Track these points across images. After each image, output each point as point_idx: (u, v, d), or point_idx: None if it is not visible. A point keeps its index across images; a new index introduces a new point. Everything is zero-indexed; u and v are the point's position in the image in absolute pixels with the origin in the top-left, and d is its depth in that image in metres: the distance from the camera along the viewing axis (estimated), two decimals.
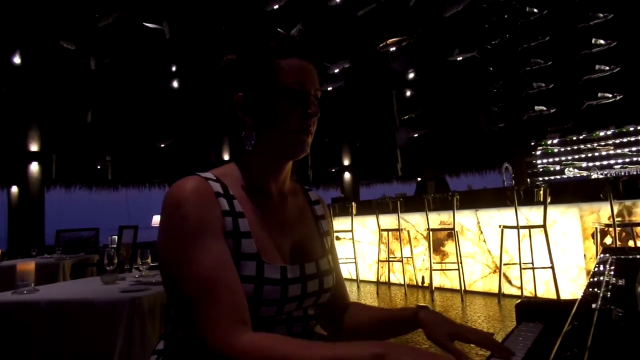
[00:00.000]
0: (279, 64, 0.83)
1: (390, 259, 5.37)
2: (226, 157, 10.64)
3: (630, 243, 3.71)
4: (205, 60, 9.57)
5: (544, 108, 7.87)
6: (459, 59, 7.89)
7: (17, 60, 8.02)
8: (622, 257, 1.23)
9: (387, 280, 5.46)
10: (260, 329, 0.79)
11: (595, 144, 7.75)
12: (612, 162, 7.56)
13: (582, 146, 7.90)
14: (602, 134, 7.69)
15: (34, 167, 8.02)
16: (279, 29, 7.90)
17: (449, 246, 4.99)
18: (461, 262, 4.53)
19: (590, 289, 0.87)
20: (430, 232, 4.73)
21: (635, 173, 7.01)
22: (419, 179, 6.55)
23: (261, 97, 0.83)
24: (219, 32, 9.38)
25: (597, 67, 7.10)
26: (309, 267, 0.87)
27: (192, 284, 0.71)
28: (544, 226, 3.83)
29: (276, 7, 7.25)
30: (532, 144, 8.47)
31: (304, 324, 0.87)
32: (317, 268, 0.89)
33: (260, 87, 0.83)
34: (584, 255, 3.97)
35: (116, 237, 5.30)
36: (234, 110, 0.86)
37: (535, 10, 7.76)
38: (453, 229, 4.52)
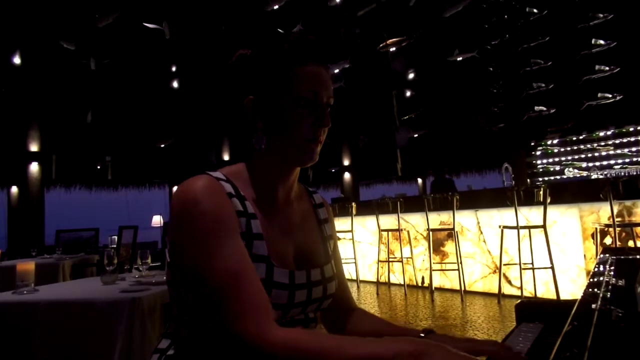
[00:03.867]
0: (294, 70, 0.81)
1: (390, 259, 5.37)
2: (226, 157, 10.65)
3: (630, 243, 3.71)
4: (206, 60, 9.57)
5: (544, 108, 7.88)
6: (459, 59, 7.89)
7: (17, 60, 8.03)
8: (622, 257, 1.23)
9: (387, 280, 5.46)
10: None
11: (595, 144, 7.75)
12: (612, 162, 7.56)
13: (582, 146, 7.90)
14: (602, 134, 7.69)
15: (34, 167, 8.02)
16: (277, 30, 7.90)
17: (449, 246, 4.99)
18: (461, 263, 4.53)
19: (590, 289, 0.86)
20: (430, 233, 4.73)
21: (635, 173, 7.01)
22: (432, 178, 6.75)
23: (273, 102, 0.82)
24: (219, 33, 9.38)
25: (597, 67, 7.10)
26: (314, 273, 0.87)
27: (219, 278, 0.70)
28: (544, 226, 3.84)
29: (276, 7, 7.25)
30: (532, 144, 8.47)
31: (304, 325, 0.87)
32: (321, 274, 0.88)
33: (272, 93, 0.82)
34: (584, 255, 3.97)
35: (116, 237, 5.30)
36: (243, 112, 0.85)
37: (535, 10, 7.76)
38: (453, 229, 4.53)
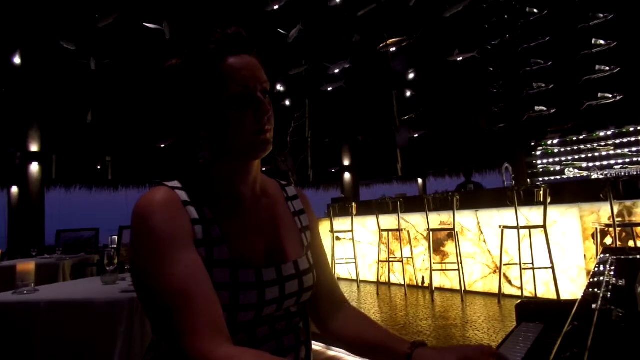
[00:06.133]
0: (217, 69, 0.79)
1: (391, 259, 5.37)
2: None
3: (631, 243, 3.71)
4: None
5: (544, 108, 7.87)
6: (459, 59, 7.89)
7: (17, 60, 8.02)
8: (622, 257, 1.23)
9: (387, 280, 5.46)
10: (240, 333, 0.78)
11: (595, 144, 7.75)
12: (612, 162, 7.56)
13: (582, 146, 7.90)
14: (602, 134, 7.70)
15: (34, 167, 8.02)
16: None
17: (449, 246, 4.99)
18: (461, 263, 4.53)
19: (591, 289, 0.86)
20: (431, 233, 4.72)
21: (635, 173, 7.01)
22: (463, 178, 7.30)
23: (208, 108, 0.80)
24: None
25: (597, 67, 7.10)
26: (286, 268, 0.85)
27: (164, 297, 0.70)
28: (544, 226, 3.83)
29: (276, 7, 7.25)
30: (532, 144, 8.47)
31: (287, 322, 0.85)
32: (295, 268, 0.86)
33: (205, 98, 0.80)
34: (584, 255, 3.97)
35: (116, 237, 5.29)
36: (184, 123, 0.83)
37: (535, 10, 7.76)
38: (453, 229, 4.52)
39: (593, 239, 3.84)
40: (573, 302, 0.81)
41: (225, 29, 0.82)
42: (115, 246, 5.34)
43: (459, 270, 4.48)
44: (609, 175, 7.19)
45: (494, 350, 0.73)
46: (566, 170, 7.96)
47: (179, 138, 0.86)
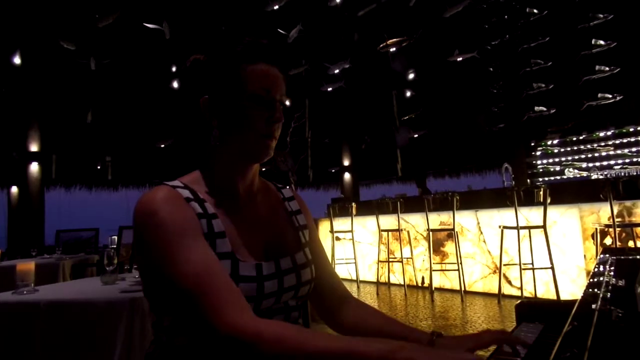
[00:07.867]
0: (246, 69, 0.84)
1: (390, 260, 5.37)
2: None
3: (630, 243, 3.71)
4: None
5: (544, 108, 7.88)
6: (459, 59, 7.89)
7: (17, 60, 8.02)
8: (622, 257, 1.23)
9: (387, 280, 5.46)
10: None
11: (595, 145, 7.75)
12: (612, 162, 7.56)
13: (582, 147, 7.90)
14: (602, 134, 7.70)
15: (34, 167, 8.02)
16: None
17: (449, 247, 4.99)
18: (461, 263, 4.53)
19: (590, 290, 0.86)
20: (430, 233, 4.73)
21: (635, 173, 7.01)
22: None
23: (228, 101, 0.85)
24: (219, 33, 9.38)
25: (597, 67, 7.10)
26: (284, 262, 0.88)
27: (188, 280, 0.71)
28: (544, 227, 3.84)
29: (276, 7, 7.26)
30: (532, 144, 8.48)
31: (285, 315, 0.87)
32: (293, 262, 0.90)
33: (226, 92, 0.85)
34: (584, 255, 3.97)
35: (116, 237, 5.29)
36: (199, 112, 0.87)
37: (535, 10, 7.76)
38: (453, 229, 4.52)
39: (593, 239, 3.84)
40: (573, 302, 0.81)
41: (260, 37, 0.88)
42: (115, 246, 5.35)
43: (458, 270, 4.48)
44: (609, 176, 7.19)
45: (508, 334, 0.79)
46: (566, 170, 7.96)
47: (192, 125, 0.90)
